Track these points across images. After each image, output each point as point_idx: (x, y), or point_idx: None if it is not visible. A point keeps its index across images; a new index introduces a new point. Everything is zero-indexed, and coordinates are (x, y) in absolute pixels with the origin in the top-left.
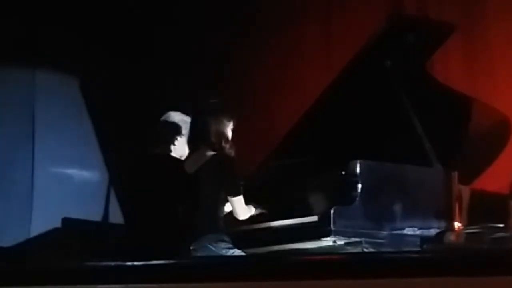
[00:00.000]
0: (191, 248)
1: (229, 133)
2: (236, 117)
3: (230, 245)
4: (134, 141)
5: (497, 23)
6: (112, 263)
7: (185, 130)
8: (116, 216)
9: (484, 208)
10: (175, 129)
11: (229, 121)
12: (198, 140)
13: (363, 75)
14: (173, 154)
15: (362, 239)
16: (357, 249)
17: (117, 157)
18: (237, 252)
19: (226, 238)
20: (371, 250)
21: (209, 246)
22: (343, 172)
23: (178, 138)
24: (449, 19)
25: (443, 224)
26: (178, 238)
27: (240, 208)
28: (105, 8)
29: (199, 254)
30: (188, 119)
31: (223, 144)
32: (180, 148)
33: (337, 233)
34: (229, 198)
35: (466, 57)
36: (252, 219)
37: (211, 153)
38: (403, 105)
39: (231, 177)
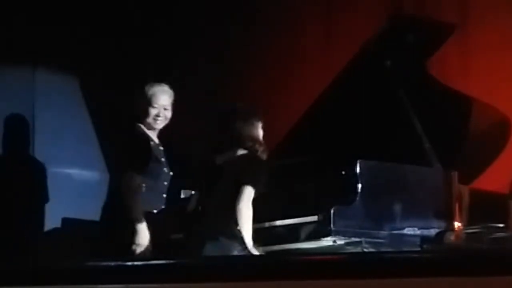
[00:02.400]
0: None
1: (261, 134)
2: (263, 117)
3: (244, 246)
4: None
5: (497, 22)
6: (112, 263)
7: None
8: None
9: (484, 208)
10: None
11: (258, 122)
12: (234, 145)
13: (363, 75)
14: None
15: (362, 239)
16: (357, 249)
17: None
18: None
19: (239, 236)
20: (371, 250)
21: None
22: (343, 172)
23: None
24: (448, 19)
25: (443, 224)
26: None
27: (245, 199)
28: (105, 8)
29: (211, 249)
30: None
31: (257, 147)
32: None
33: (337, 233)
34: (243, 184)
35: (466, 56)
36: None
37: (244, 151)
38: (403, 105)
39: (256, 171)
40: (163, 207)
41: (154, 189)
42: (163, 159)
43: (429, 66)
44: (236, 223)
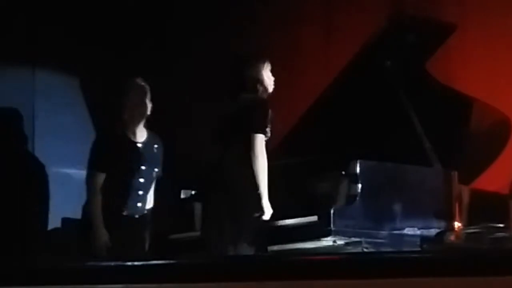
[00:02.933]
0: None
1: (265, 77)
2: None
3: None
4: None
5: (497, 22)
6: (112, 263)
7: None
8: None
9: (484, 208)
10: None
11: (263, 64)
12: (236, 88)
13: (363, 75)
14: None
15: (362, 239)
16: (357, 249)
17: None
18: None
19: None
20: (371, 250)
21: None
22: (343, 172)
23: None
24: (449, 18)
25: (443, 224)
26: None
27: (258, 147)
28: (104, 8)
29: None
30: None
31: (258, 87)
32: None
33: (337, 233)
34: (251, 134)
35: (466, 56)
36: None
37: (247, 96)
38: (403, 105)
39: (259, 116)
40: (139, 204)
41: (125, 187)
42: (141, 157)
43: (429, 66)
44: (252, 173)
